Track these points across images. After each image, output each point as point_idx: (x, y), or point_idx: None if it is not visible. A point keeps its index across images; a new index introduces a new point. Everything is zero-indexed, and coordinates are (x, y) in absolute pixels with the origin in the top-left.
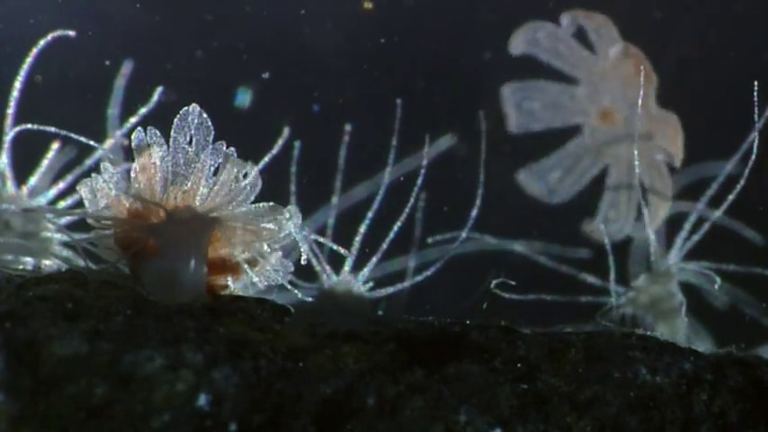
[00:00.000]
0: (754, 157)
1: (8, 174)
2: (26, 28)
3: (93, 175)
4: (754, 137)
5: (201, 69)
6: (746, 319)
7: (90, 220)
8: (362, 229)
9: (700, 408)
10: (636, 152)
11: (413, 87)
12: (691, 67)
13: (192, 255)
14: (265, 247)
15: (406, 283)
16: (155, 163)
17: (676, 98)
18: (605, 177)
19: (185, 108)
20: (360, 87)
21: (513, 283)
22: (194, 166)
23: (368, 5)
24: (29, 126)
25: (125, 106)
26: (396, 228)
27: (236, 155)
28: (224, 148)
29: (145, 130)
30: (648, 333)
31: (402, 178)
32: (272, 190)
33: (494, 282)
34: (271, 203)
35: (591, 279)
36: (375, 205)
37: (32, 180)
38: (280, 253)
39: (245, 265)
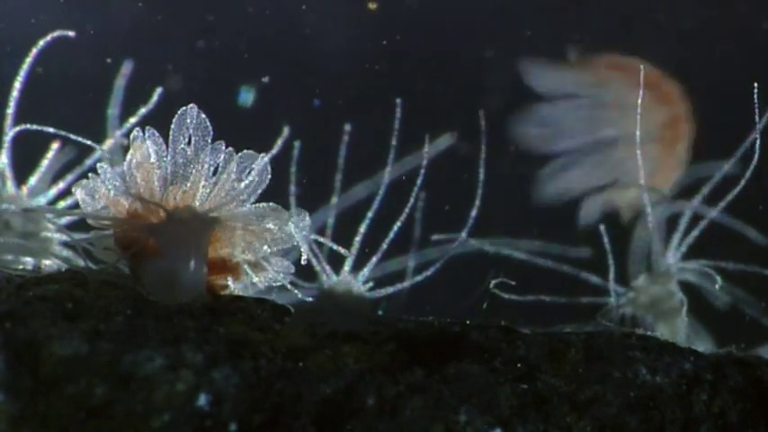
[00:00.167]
0: (756, 156)
1: (8, 174)
2: (27, 27)
3: (90, 175)
4: (755, 136)
5: (202, 69)
6: (746, 319)
7: (90, 221)
8: (362, 228)
9: (700, 408)
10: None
11: (413, 87)
12: (690, 66)
13: (192, 255)
14: (266, 247)
15: (406, 283)
16: (153, 163)
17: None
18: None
19: (183, 108)
20: (360, 87)
21: (513, 282)
22: (193, 165)
23: (372, 6)
24: (28, 126)
25: (126, 106)
26: (396, 228)
27: (235, 155)
28: (223, 147)
29: (143, 131)
30: (648, 333)
31: (404, 177)
32: (272, 190)
33: (493, 282)
34: (271, 204)
35: (591, 279)
36: (375, 205)
37: (32, 180)
38: (280, 253)
39: (246, 266)
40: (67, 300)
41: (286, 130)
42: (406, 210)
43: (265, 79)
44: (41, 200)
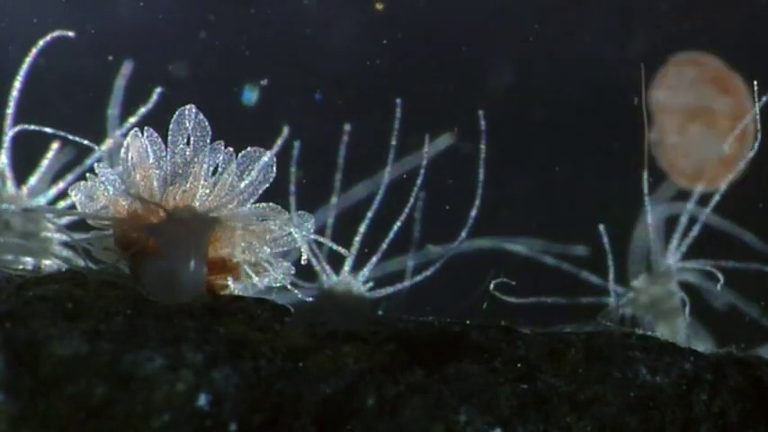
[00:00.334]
0: (753, 154)
1: (8, 174)
2: (29, 27)
3: (87, 176)
4: (756, 135)
5: (202, 68)
6: (746, 319)
7: (89, 221)
8: (362, 228)
9: (700, 408)
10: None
11: (414, 87)
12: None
13: (192, 255)
14: (266, 247)
15: (406, 283)
16: (152, 163)
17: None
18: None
19: (181, 108)
20: (360, 87)
21: (513, 282)
22: (192, 165)
23: (379, 6)
24: (28, 126)
25: (127, 106)
26: (396, 228)
27: (234, 154)
28: (222, 147)
29: (142, 131)
30: (648, 333)
31: (405, 175)
32: (272, 190)
33: (493, 282)
34: (271, 204)
35: (591, 279)
36: (375, 205)
37: (32, 180)
38: (280, 253)
39: (246, 266)
40: (67, 300)
41: (286, 130)
42: (406, 210)
43: (264, 81)
44: (41, 200)
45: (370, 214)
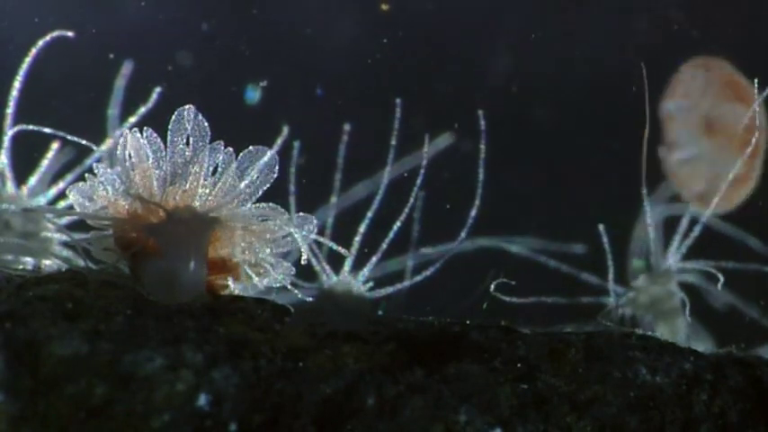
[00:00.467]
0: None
1: (8, 174)
2: (29, 27)
3: (86, 176)
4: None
5: (203, 68)
6: (746, 319)
7: (89, 221)
8: (362, 228)
9: (700, 408)
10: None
11: (414, 86)
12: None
13: (192, 255)
14: (266, 248)
15: (406, 283)
16: (151, 164)
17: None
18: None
19: (180, 108)
20: (361, 87)
21: (513, 282)
22: (192, 165)
23: (384, 7)
24: (27, 127)
25: (127, 106)
26: (396, 228)
27: (234, 154)
28: (222, 147)
29: (141, 131)
30: (648, 333)
31: (406, 174)
32: (272, 190)
33: (493, 282)
34: (271, 204)
35: (591, 279)
36: (375, 205)
37: (32, 180)
38: (280, 254)
39: (246, 266)
40: (67, 300)
41: (285, 130)
42: (406, 210)
43: (263, 83)
44: (41, 200)
45: (369, 214)
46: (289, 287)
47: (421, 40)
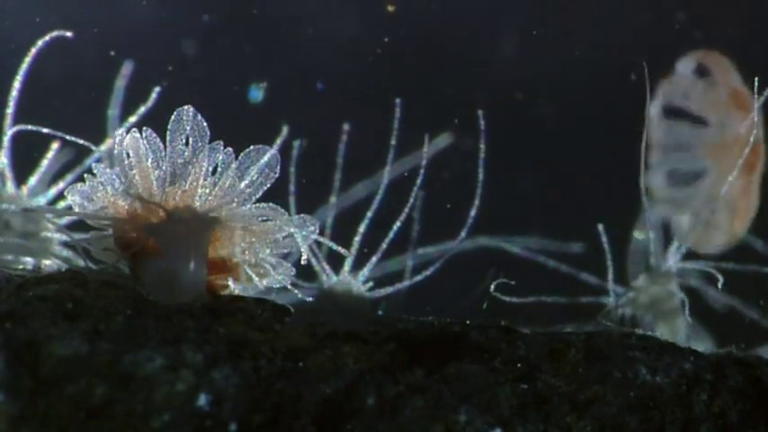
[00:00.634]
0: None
1: (8, 174)
2: (29, 27)
3: (86, 176)
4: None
5: (203, 68)
6: (746, 319)
7: (89, 221)
8: (362, 228)
9: (700, 408)
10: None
11: (414, 86)
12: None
13: (192, 255)
14: (266, 248)
15: (406, 283)
16: (151, 163)
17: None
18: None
19: (179, 109)
20: (362, 87)
21: (512, 282)
22: (191, 165)
23: (390, 8)
24: (27, 127)
25: (127, 106)
26: (395, 227)
27: (233, 154)
28: (221, 147)
29: (141, 131)
30: (648, 333)
31: (406, 174)
32: (272, 190)
33: (493, 282)
34: (271, 204)
35: (591, 279)
36: (375, 205)
37: (32, 180)
38: (280, 254)
39: (246, 266)
40: (67, 300)
41: (285, 130)
42: (406, 210)
43: (263, 84)
44: (41, 200)
45: (369, 214)
46: (289, 287)
47: (421, 40)
